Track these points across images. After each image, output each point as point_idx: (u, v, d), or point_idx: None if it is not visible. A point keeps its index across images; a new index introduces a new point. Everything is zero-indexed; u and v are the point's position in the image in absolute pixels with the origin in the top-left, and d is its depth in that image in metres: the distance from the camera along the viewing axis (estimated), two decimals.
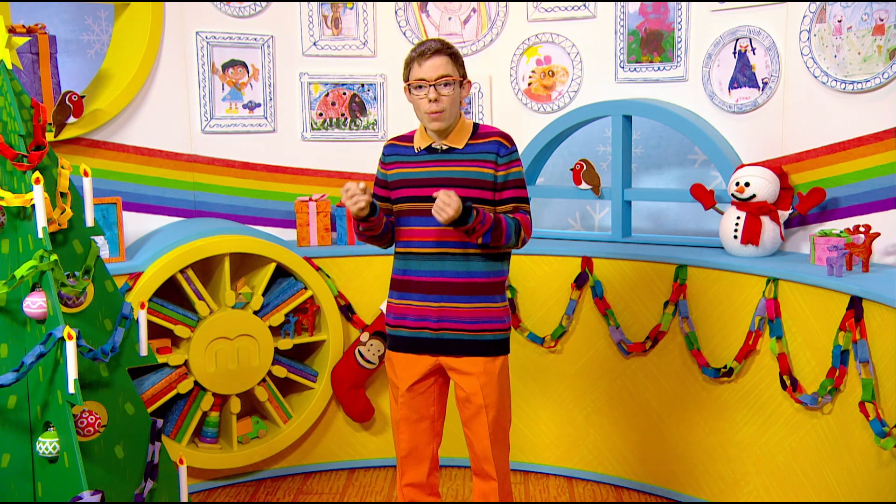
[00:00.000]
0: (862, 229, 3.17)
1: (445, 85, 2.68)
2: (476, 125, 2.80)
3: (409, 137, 2.85)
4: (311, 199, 3.98)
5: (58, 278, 2.49)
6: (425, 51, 2.68)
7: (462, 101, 2.79)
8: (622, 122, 3.78)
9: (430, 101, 2.68)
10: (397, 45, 4.20)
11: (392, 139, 2.89)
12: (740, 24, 3.63)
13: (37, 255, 2.47)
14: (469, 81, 2.78)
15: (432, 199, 2.63)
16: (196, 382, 3.68)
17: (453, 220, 2.58)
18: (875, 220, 3.24)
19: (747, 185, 3.40)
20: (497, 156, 2.73)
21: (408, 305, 2.79)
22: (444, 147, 2.76)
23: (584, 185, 3.91)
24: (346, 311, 3.92)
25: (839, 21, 3.30)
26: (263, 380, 3.79)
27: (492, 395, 2.78)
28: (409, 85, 2.73)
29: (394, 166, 2.82)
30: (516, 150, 2.76)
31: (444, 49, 2.70)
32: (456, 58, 2.72)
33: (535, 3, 4.06)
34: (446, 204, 2.56)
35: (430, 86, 2.67)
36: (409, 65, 2.73)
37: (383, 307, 3.88)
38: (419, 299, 2.77)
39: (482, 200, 2.72)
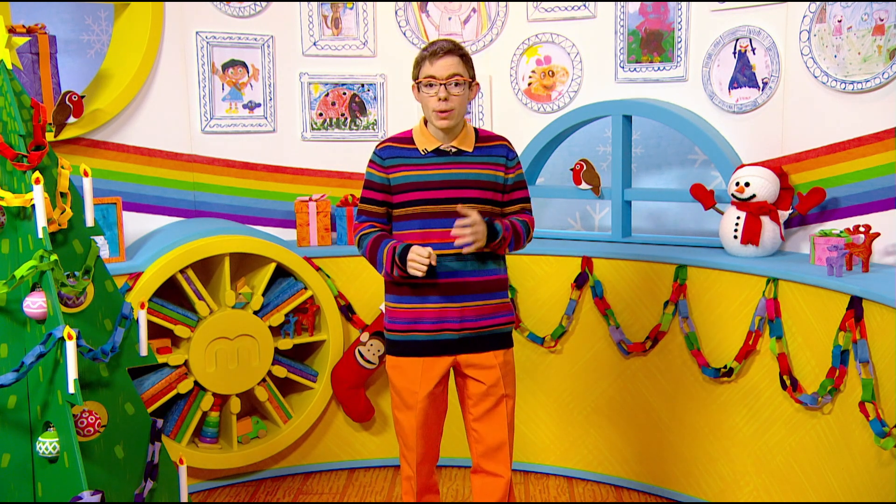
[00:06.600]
0: (862, 229, 3.17)
1: (456, 85, 2.69)
2: (476, 129, 2.84)
3: (406, 139, 2.79)
4: (311, 199, 3.98)
5: (58, 278, 2.49)
6: (437, 50, 2.69)
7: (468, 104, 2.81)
8: (622, 122, 3.78)
9: (440, 99, 2.68)
10: (397, 45, 4.20)
11: (387, 141, 2.81)
12: (740, 24, 3.62)
13: (37, 255, 2.47)
14: (477, 84, 2.79)
15: (449, 201, 2.68)
16: (196, 382, 3.68)
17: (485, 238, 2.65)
18: (875, 220, 3.24)
19: (747, 185, 3.40)
20: (507, 159, 2.82)
21: (423, 309, 2.77)
22: (454, 149, 2.76)
23: (584, 185, 3.91)
24: (346, 311, 3.92)
25: (839, 21, 3.30)
26: (263, 380, 3.79)
27: (510, 385, 2.86)
28: (418, 83, 2.72)
29: (397, 169, 2.75)
30: (517, 154, 2.88)
31: (456, 49, 2.71)
32: (467, 59, 2.73)
33: (535, 3, 4.06)
34: (475, 229, 2.63)
35: (441, 84, 2.67)
36: (419, 63, 2.73)
37: (383, 307, 3.87)
38: (438, 301, 2.76)
39: (492, 202, 2.78)
